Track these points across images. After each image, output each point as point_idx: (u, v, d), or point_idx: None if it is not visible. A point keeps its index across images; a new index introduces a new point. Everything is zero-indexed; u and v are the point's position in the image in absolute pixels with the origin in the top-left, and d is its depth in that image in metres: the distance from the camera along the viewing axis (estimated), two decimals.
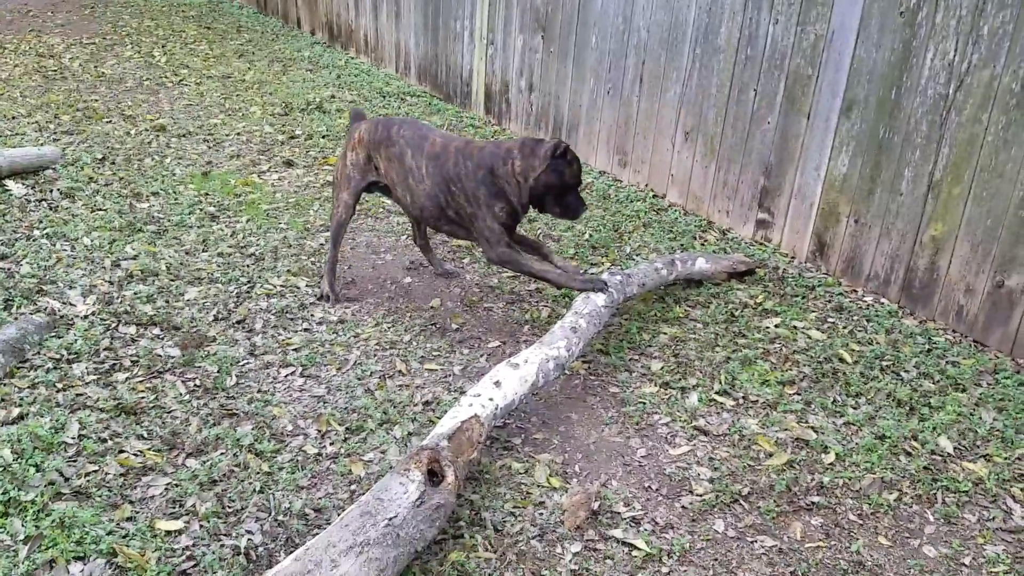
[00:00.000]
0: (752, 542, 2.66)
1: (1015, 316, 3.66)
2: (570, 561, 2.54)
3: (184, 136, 5.79)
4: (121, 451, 2.84)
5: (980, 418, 3.27)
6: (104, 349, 3.37)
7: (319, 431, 3.04)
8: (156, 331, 3.53)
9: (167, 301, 3.76)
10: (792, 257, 4.52)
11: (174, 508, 2.63)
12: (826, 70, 4.13)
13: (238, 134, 5.92)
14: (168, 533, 2.52)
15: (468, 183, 3.39)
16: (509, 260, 3.46)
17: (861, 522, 2.76)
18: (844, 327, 3.87)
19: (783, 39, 4.28)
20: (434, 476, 2.50)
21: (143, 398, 3.11)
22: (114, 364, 3.30)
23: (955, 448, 3.11)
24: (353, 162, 3.74)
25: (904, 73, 3.82)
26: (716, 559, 2.58)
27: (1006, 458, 3.07)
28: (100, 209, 4.57)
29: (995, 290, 3.71)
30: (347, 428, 3.07)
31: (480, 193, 3.38)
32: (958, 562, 2.63)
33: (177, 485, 2.71)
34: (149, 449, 2.86)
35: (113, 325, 3.53)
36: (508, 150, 3.39)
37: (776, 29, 4.30)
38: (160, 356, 3.37)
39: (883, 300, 4.12)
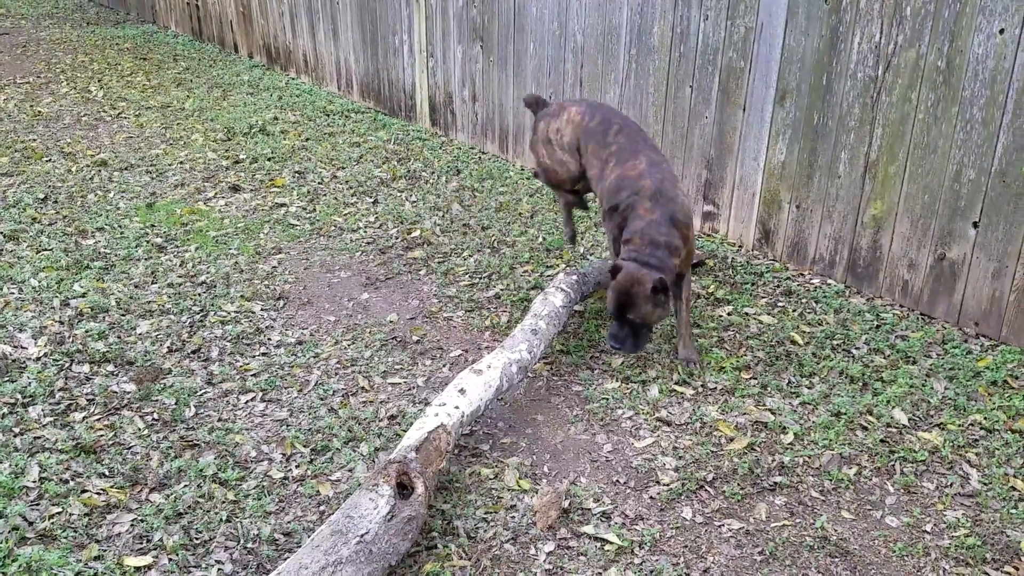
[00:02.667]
0: (720, 526, 2.71)
1: (958, 287, 3.78)
2: (544, 561, 2.56)
3: (126, 169, 5.72)
4: (84, 491, 2.80)
5: (932, 388, 3.37)
6: (59, 390, 3.32)
7: (284, 455, 3.03)
8: (110, 368, 3.48)
9: (119, 336, 3.71)
10: (739, 246, 4.61)
11: (141, 544, 2.60)
12: (758, 62, 4.23)
13: (181, 163, 5.86)
14: (137, 569, 2.50)
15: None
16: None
17: (823, 498, 2.83)
18: (794, 310, 3.96)
19: (714, 34, 4.37)
20: (404, 489, 2.51)
21: (102, 436, 3.07)
22: (70, 404, 3.25)
23: (910, 419, 3.20)
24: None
25: (833, 59, 3.93)
26: (686, 545, 2.63)
27: (959, 425, 3.16)
28: (45, 249, 4.49)
29: (937, 263, 3.83)
30: (312, 449, 3.05)
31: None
32: (920, 530, 2.70)
33: (143, 520, 2.68)
34: (112, 487, 2.82)
35: (66, 365, 3.48)
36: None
37: (707, 25, 4.39)
38: (116, 392, 3.32)
39: (829, 281, 4.22)
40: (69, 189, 5.33)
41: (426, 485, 2.55)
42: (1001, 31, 3.38)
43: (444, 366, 3.58)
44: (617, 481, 2.91)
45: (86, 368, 3.47)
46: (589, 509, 2.77)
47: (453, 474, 2.91)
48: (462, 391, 2.93)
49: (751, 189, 4.47)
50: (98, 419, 3.17)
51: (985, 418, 3.18)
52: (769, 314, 3.93)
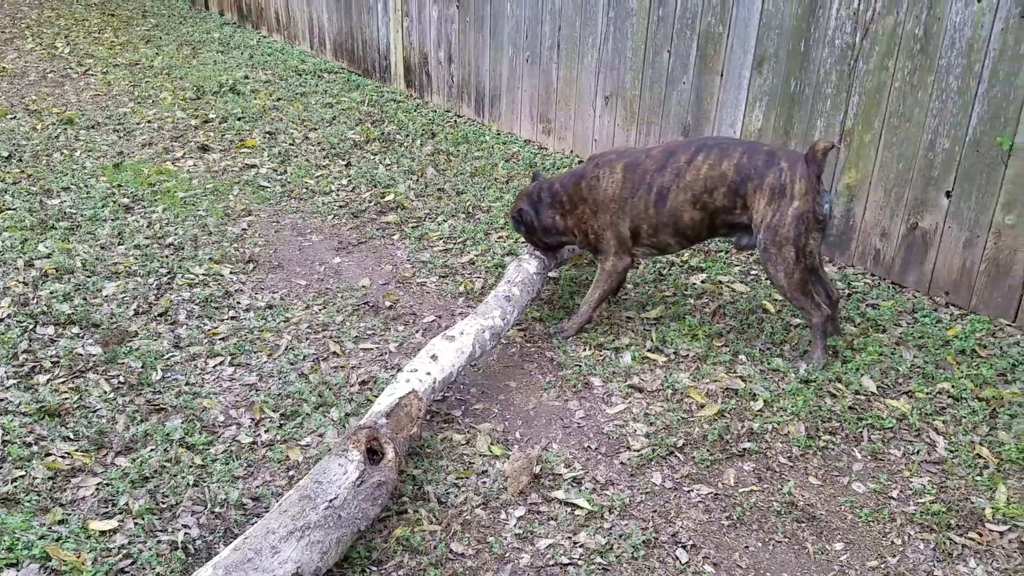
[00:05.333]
0: (688, 491, 2.72)
1: (930, 256, 3.80)
2: (515, 526, 2.56)
3: (93, 128, 5.59)
4: (48, 454, 2.75)
5: (901, 356, 3.39)
6: (23, 351, 3.26)
7: (253, 419, 3.00)
8: (75, 330, 3.42)
9: (85, 298, 3.64)
10: None
11: (107, 508, 2.57)
12: (736, 27, 4.18)
13: (149, 122, 5.73)
14: (103, 533, 2.46)
15: None
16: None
17: (791, 464, 2.85)
18: (766, 278, 3.96)
19: None
20: (374, 454, 2.49)
21: (67, 399, 3.02)
22: (34, 366, 3.19)
23: (878, 387, 3.22)
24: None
25: (812, 25, 3.90)
26: (655, 510, 2.64)
27: (927, 393, 3.19)
28: (9, 209, 4.39)
29: (909, 232, 3.84)
30: (282, 414, 3.03)
31: None
32: (886, 496, 2.73)
33: (108, 484, 2.65)
34: (76, 450, 2.78)
35: (30, 326, 3.41)
36: None
37: None
38: (81, 355, 3.27)
39: None
40: (34, 147, 5.20)
41: (396, 451, 2.53)
42: None
43: (417, 332, 3.55)
44: (588, 447, 2.91)
45: (51, 330, 3.40)
46: (560, 474, 2.77)
47: (425, 440, 2.90)
48: (434, 357, 2.91)
49: None
50: (63, 381, 3.12)
51: (953, 386, 3.21)
52: (742, 282, 3.93)
